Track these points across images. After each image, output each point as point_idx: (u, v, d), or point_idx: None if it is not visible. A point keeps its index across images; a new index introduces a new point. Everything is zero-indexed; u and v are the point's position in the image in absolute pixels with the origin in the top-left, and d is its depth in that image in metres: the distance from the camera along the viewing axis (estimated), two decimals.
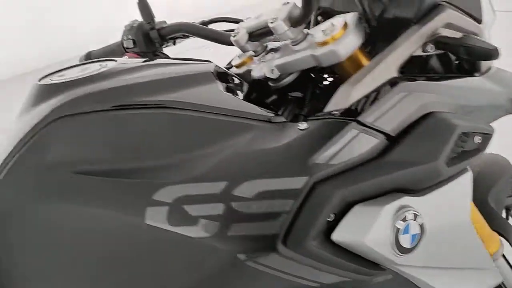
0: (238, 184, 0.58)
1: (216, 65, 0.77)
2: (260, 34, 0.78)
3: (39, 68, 5.23)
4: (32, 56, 5.36)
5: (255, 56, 0.84)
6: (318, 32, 0.71)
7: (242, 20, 0.96)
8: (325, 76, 0.83)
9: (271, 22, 0.71)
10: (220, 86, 0.71)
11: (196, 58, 0.80)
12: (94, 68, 0.70)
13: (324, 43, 0.69)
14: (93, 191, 0.59)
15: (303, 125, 0.63)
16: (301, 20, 0.69)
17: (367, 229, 0.61)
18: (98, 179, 0.59)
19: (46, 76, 0.72)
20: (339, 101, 0.66)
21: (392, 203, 0.62)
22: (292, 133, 0.63)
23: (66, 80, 0.66)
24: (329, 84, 0.82)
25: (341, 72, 0.75)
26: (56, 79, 0.68)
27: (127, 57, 0.98)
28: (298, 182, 0.58)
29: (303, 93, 0.82)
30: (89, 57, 1.07)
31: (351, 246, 0.62)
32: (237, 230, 0.58)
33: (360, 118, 0.63)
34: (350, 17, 0.70)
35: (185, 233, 0.57)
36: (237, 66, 0.88)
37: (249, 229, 0.58)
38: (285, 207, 0.58)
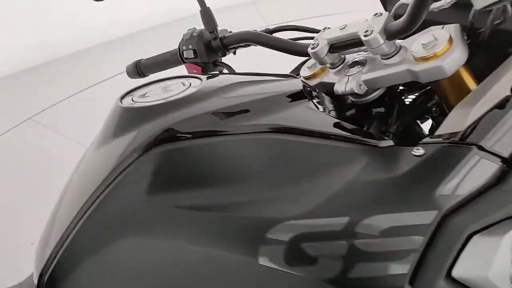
0: (359, 219, 0.53)
1: (302, 80, 0.72)
2: (343, 46, 0.72)
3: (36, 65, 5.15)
4: (28, 52, 5.25)
5: (332, 68, 0.79)
6: (416, 45, 0.66)
7: (309, 28, 0.91)
8: (411, 91, 0.79)
9: (365, 35, 0.66)
10: (312, 104, 0.66)
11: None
12: (178, 87, 0.65)
13: (425, 58, 0.64)
14: (196, 228, 0.54)
15: (418, 151, 0.58)
16: (402, 33, 0.64)
17: (489, 262, 0.56)
18: (202, 214, 0.54)
19: (126, 95, 0.67)
20: (454, 124, 0.61)
21: (510, 232, 0.58)
22: (407, 160, 0.58)
23: (155, 103, 0.60)
24: (418, 100, 0.78)
25: (440, 89, 0.70)
26: (140, 101, 0.63)
27: (185, 67, 0.92)
28: (426, 217, 0.53)
29: (386, 109, 0.77)
30: (139, 66, 1.01)
31: (473, 282, 0.57)
32: (360, 271, 0.53)
33: (481, 143, 0.58)
34: (454, 30, 0.65)
35: (302, 274, 0.52)
36: (307, 78, 0.84)
37: (372, 269, 0.53)
38: (412, 244, 0.53)
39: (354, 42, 0.70)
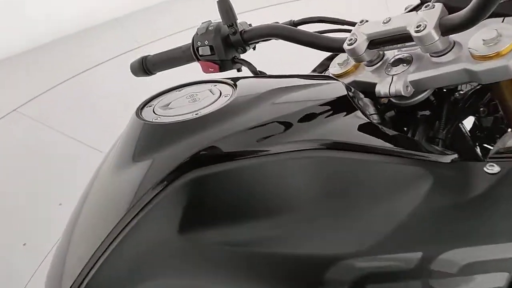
0: (434, 254, 0.45)
1: (342, 82, 0.63)
2: (385, 42, 0.64)
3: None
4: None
5: (369, 66, 0.71)
6: (475, 42, 0.58)
7: (338, 20, 0.82)
8: (461, 92, 0.71)
9: (417, 31, 0.57)
10: (360, 113, 0.58)
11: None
12: (207, 97, 0.56)
13: (487, 57, 0.56)
14: (236, 268, 0.46)
15: (493, 168, 0.50)
16: (461, 28, 0.55)
17: None
18: (243, 251, 0.46)
19: (145, 105, 0.58)
20: None
21: None
22: (481, 179, 0.50)
23: (184, 117, 0.52)
24: (469, 100, 0.70)
25: (498, 90, 0.62)
26: (164, 114, 0.54)
27: (200, 65, 0.83)
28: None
29: (433, 111, 0.69)
30: (145, 63, 0.91)
31: None
32: None
33: None
34: None
35: None
36: (339, 76, 0.75)
37: None
38: (497, 282, 0.46)
39: (400, 38, 0.62)
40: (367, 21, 0.68)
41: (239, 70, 0.84)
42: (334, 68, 0.77)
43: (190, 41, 0.83)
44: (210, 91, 0.58)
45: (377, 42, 0.65)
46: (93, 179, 0.59)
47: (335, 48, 0.71)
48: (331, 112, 0.55)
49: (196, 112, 0.53)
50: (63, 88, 4.01)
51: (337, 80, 0.64)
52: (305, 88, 0.59)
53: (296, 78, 0.65)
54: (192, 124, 0.50)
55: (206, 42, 0.80)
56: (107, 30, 5.41)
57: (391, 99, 0.68)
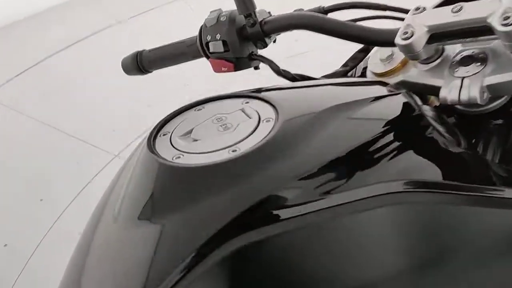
0: None
1: (406, 92, 0.50)
2: (451, 35, 0.51)
3: None
4: None
5: (424, 63, 0.58)
6: None
7: (380, 5, 0.68)
8: None
9: (505, 24, 0.44)
10: (437, 133, 0.45)
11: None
12: (241, 121, 0.42)
13: None
14: None
15: None
16: None
17: None
18: None
19: (158, 131, 0.44)
20: None
21: None
22: None
23: (218, 159, 0.38)
24: None
25: None
26: (187, 148, 0.40)
27: (210, 64, 0.68)
28: None
29: (507, 120, 0.57)
30: (140, 59, 0.76)
31: None
32: None
33: None
34: None
35: None
36: (381, 75, 0.62)
37: None
38: None
39: (475, 31, 0.49)
40: (424, 8, 0.54)
41: (256, 68, 0.70)
42: (375, 65, 0.63)
43: (197, 34, 0.68)
44: (243, 112, 0.44)
45: (441, 36, 0.51)
46: (96, 221, 0.46)
47: (384, 42, 0.57)
48: (405, 134, 0.43)
49: (233, 148, 0.39)
50: None
51: (384, 82, 0.51)
52: (364, 104, 0.46)
53: (341, 87, 0.51)
54: (232, 168, 0.37)
55: (218, 36, 0.65)
56: None
57: (459, 106, 0.56)
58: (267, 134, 0.40)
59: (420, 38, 0.51)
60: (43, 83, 3.24)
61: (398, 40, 0.52)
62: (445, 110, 0.56)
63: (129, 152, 0.50)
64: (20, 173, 2.39)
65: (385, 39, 0.56)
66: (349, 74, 0.71)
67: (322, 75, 0.70)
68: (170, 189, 0.38)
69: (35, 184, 2.28)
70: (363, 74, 0.69)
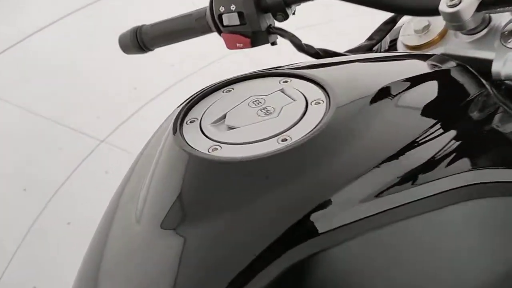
0: None
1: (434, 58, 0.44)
2: (503, 1, 0.45)
3: None
4: None
5: (469, 34, 0.52)
6: None
7: None
8: None
9: None
10: (507, 115, 0.39)
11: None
12: (281, 103, 0.36)
13: None
14: None
15: None
16: None
17: None
18: None
19: (185, 116, 0.37)
20: None
21: None
22: None
23: (266, 151, 0.31)
24: None
25: None
26: (223, 138, 0.34)
27: (223, 39, 0.61)
28: None
29: None
30: (139, 36, 0.68)
31: None
32: None
33: None
34: None
35: None
36: (416, 48, 0.56)
37: None
38: None
39: None
40: None
41: (273, 43, 0.63)
42: (408, 37, 0.57)
43: (206, 6, 0.61)
44: (283, 93, 0.37)
45: (493, 2, 0.45)
46: (110, 219, 0.39)
47: (424, 11, 0.51)
48: (474, 116, 0.37)
49: (283, 137, 0.32)
50: None
51: (428, 54, 0.45)
52: (421, 81, 0.39)
53: (387, 62, 0.45)
54: (286, 162, 0.30)
55: (233, 7, 0.57)
56: None
57: (507, 81, 0.50)
58: (321, 120, 0.33)
59: (469, 5, 0.45)
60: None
61: (443, 7, 0.46)
62: (496, 86, 0.50)
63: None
64: None
65: (427, 7, 0.49)
66: (375, 48, 0.65)
67: (345, 50, 0.64)
68: (209, 188, 0.31)
69: (16, 171, 2.17)
70: (392, 48, 0.63)
